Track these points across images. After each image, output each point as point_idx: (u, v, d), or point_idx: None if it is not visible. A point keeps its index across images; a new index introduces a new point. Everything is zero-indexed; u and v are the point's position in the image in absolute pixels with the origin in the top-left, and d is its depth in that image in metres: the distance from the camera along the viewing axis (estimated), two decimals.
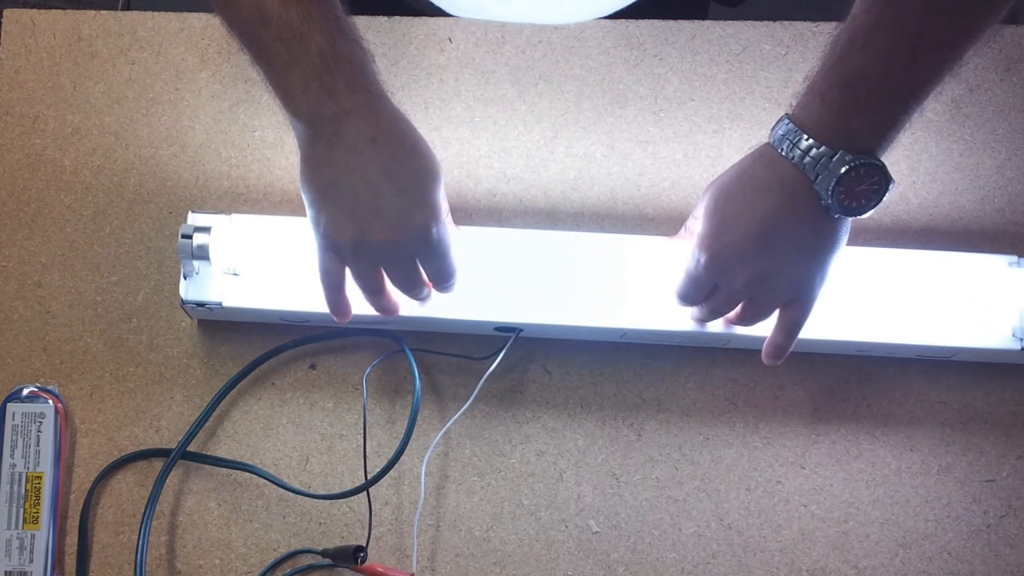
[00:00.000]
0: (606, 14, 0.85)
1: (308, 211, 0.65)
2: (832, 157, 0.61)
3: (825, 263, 0.66)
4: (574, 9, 0.83)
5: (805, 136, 0.62)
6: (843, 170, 0.61)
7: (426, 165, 0.65)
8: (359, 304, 0.70)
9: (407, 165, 0.64)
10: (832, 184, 0.61)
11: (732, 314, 0.70)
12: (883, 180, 0.62)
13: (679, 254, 0.70)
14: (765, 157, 0.65)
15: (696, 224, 0.68)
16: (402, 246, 0.65)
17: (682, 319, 0.73)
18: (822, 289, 0.67)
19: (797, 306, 0.67)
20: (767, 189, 0.64)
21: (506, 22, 0.83)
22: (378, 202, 0.63)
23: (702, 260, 0.66)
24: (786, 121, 0.64)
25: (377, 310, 0.70)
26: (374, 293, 0.68)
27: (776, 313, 0.68)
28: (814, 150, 0.62)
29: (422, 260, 0.67)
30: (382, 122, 0.63)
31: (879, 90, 0.60)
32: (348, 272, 0.67)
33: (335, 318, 0.69)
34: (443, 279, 0.69)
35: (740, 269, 0.66)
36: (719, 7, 1.02)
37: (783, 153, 0.63)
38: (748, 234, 0.64)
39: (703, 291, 0.69)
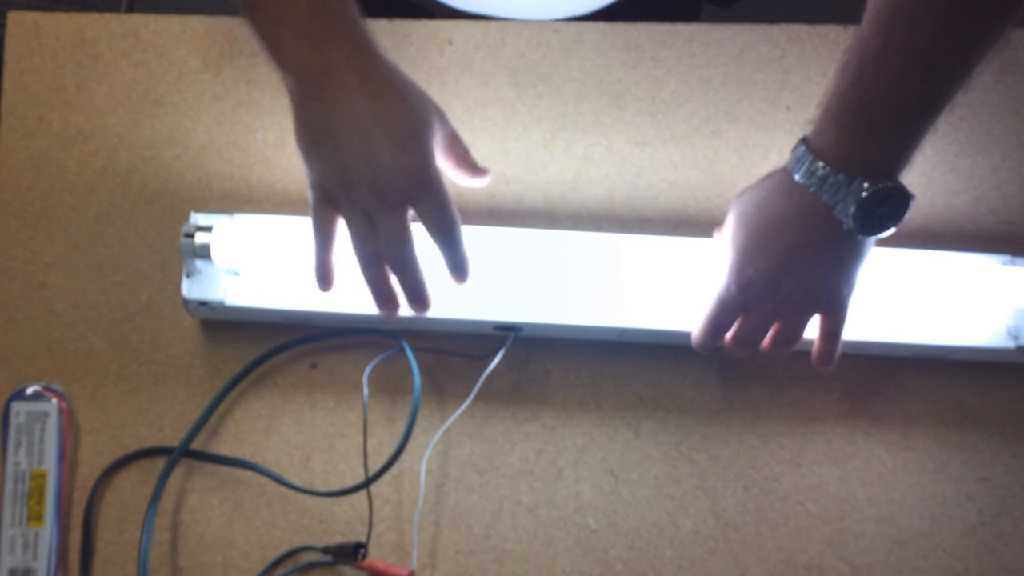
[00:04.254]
0: (596, 8, 0.86)
1: (304, 166, 0.66)
2: (850, 184, 0.62)
3: (851, 276, 0.68)
4: (565, 3, 0.84)
5: (821, 164, 0.63)
6: (862, 196, 0.62)
7: (416, 110, 0.65)
8: (360, 303, 0.71)
9: (396, 111, 0.64)
10: (852, 210, 0.62)
11: (767, 342, 0.70)
12: (902, 200, 0.63)
13: (715, 255, 0.71)
14: (784, 185, 0.66)
15: (723, 240, 0.70)
16: (394, 189, 0.64)
17: (679, 319, 0.74)
18: (852, 297, 0.69)
19: (832, 315, 0.69)
20: (787, 219, 0.65)
21: (504, 21, 0.84)
22: (369, 149, 0.64)
23: (732, 288, 0.68)
24: (803, 148, 0.64)
25: (372, 290, 0.68)
26: (368, 262, 0.66)
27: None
28: (831, 177, 0.62)
29: (418, 209, 0.66)
30: (369, 72, 0.64)
31: (894, 113, 0.60)
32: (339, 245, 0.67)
33: (319, 284, 0.69)
34: (444, 227, 0.66)
35: (767, 294, 0.67)
36: (712, 8, 1.03)
37: (801, 180, 0.64)
38: (770, 264, 0.66)
39: (733, 316, 0.70)
